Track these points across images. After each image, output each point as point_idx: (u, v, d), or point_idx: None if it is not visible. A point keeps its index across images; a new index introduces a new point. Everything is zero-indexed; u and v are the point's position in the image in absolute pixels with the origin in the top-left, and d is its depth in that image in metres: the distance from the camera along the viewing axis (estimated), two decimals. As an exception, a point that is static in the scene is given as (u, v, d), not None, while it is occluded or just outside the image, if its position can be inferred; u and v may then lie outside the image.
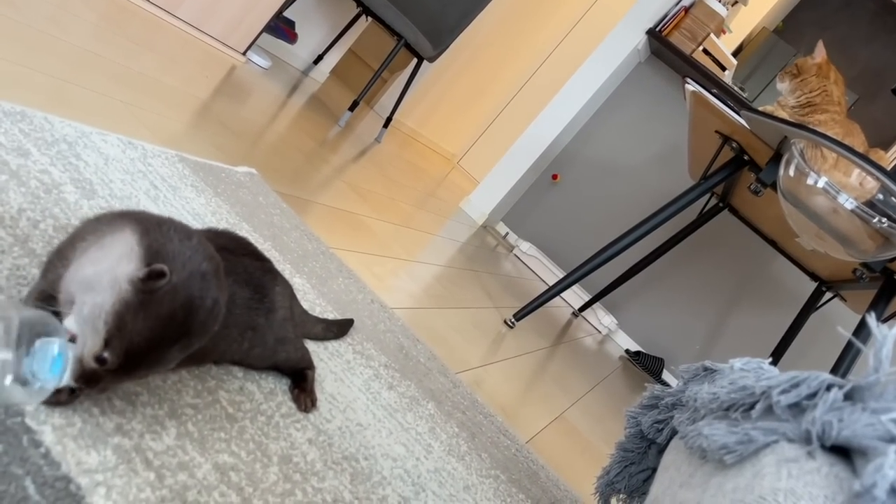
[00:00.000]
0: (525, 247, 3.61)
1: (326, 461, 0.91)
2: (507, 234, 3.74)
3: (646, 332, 3.55)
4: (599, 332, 3.49)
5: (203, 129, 1.75)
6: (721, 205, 3.04)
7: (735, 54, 3.86)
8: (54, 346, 0.63)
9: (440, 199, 3.72)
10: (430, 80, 4.91)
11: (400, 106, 3.72)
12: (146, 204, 1.13)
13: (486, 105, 5.44)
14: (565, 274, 3.57)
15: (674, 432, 1.13)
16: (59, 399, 0.68)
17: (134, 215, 0.74)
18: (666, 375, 3.44)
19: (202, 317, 0.70)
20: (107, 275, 0.66)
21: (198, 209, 1.26)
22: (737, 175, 2.33)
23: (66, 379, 0.64)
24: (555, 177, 3.67)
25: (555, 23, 5.34)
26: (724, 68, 3.56)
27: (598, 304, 3.50)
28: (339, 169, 2.53)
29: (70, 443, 0.65)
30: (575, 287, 3.54)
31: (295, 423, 0.93)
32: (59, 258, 0.72)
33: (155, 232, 0.71)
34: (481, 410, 1.44)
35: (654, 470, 1.22)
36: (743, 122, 2.01)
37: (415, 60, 3.63)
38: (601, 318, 3.48)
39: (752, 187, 2.02)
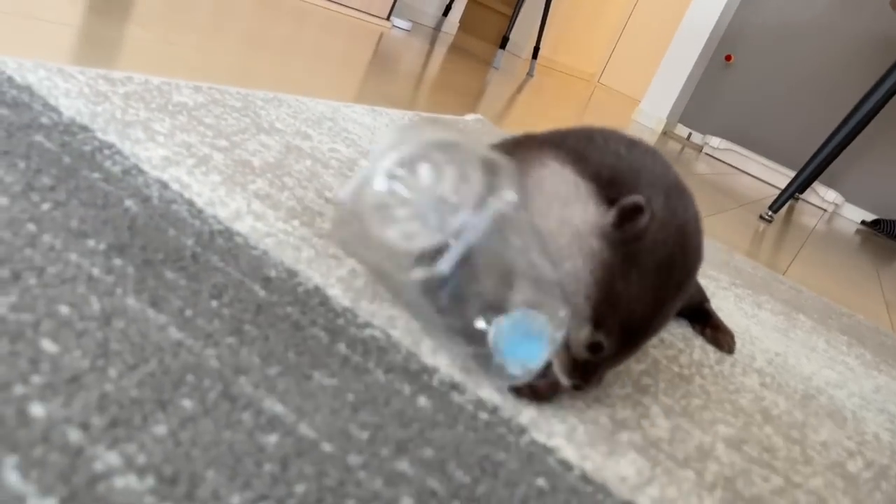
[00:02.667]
0: (715, 142, 3.27)
1: (804, 412, 0.70)
2: (690, 134, 3.41)
3: (878, 199, 3.14)
4: (825, 210, 3.12)
5: (390, 87, 1.57)
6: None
7: None
8: (537, 319, 0.44)
9: (605, 116, 3.44)
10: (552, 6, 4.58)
11: (537, 36, 3.44)
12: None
13: (612, 17, 5.06)
14: (766, 158, 3.22)
15: None
16: (540, 391, 0.49)
17: (538, 138, 0.55)
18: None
19: (696, 243, 0.50)
20: (562, 232, 0.47)
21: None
22: None
23: (541, 363, 0.46)
24: (728, 58, 3.30)
25: None
26: None
27: (816, 182, 3.12)
28: (522, 104, 2.32)
29: (590, 452, 0.46)
30: (773, 166, 3.17)
31: (733, 369, 0.73)
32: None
33: (591, 150, 0.51)
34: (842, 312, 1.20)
35: None
36: None
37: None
38: (823, 195, 3.11)
39: None
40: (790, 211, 2.91)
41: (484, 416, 0.45)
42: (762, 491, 0.51)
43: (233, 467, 0.32)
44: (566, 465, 0.44)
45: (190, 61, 0.97)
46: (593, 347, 0.47)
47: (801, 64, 3.18)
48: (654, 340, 0.71)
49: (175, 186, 0.56)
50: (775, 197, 2.06)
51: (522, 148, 0.54)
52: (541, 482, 0.41)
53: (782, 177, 3.22)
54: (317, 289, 0.51)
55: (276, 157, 0.72)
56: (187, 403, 0.35)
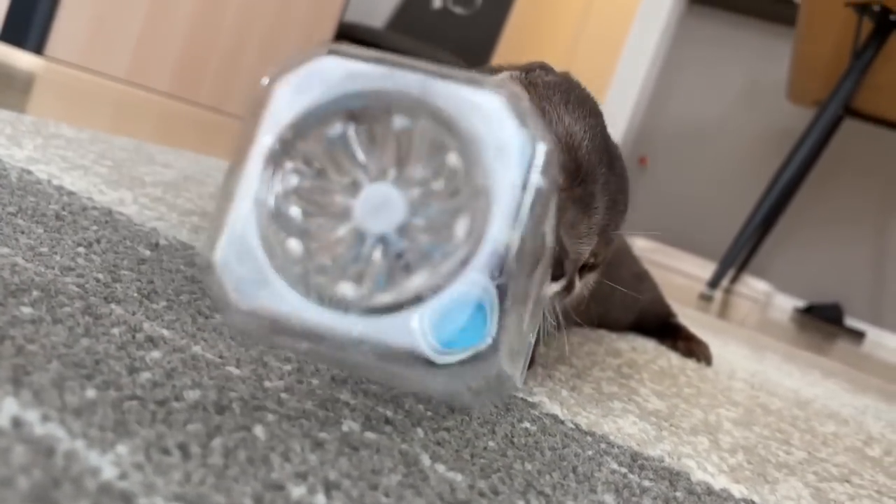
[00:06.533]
0: (640, 244, 3.30)
1: (804, 411, 0.61)
2: (615, 240, 3.44)
3: (806, 286, 3.19)
4: (757, 300, 3.14)
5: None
6: (839, 114, 2.74)
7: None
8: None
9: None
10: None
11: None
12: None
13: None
14: (694, 255, 3.25)
15: None
16: None
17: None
18: (849, 320, 3.06)
19: (615, 150, 0.44)
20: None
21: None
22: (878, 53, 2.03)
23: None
24: (643, 161, 3.40)
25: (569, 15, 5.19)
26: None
27: (746, 274, 3.15)
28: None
29: (580, 411, 0.37)
30: (703, 263, 3.20)
31: (717, 375, 0.64)
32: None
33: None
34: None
35: None
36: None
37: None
38: (754, 286, 3.14)
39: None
40: (726, 302, 2.91)
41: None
42: (787, 460, 0.42)
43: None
44: (555, 418, 0.34)
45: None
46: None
47: (712, 162, 3.30)
48: (625, 343, 0.62)
49: (42, 175, 0.46)
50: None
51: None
52: (527, 425, 0.31)
53: (698, 268, 3.24)
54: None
55: (174, 178, 0.63)
56: (27, 311, 0.24)
